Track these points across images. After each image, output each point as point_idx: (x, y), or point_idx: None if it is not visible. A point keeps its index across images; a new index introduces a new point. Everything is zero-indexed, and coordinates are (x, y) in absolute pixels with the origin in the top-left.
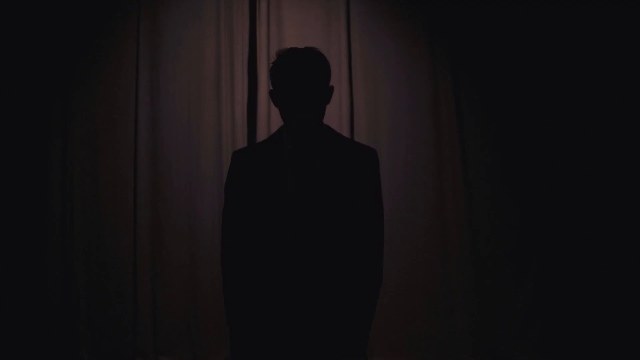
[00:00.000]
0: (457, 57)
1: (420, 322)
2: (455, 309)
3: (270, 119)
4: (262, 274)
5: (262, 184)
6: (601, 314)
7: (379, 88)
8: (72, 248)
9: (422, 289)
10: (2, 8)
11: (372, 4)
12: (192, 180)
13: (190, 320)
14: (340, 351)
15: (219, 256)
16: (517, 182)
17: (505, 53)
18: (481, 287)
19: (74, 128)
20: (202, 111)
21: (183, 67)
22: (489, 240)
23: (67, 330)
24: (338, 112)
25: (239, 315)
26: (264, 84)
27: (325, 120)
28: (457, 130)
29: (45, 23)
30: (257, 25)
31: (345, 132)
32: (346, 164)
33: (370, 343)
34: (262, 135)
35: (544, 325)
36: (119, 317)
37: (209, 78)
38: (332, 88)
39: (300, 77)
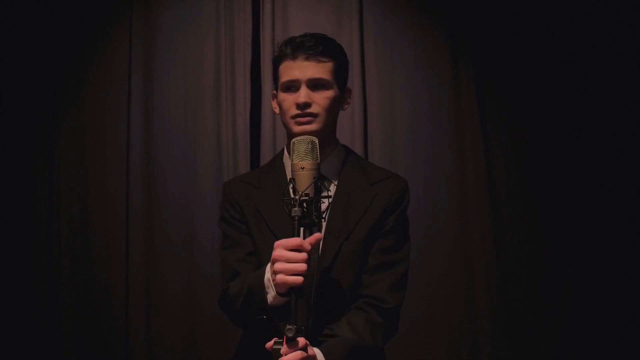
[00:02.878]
0: (481, 59)
1: (442, 354)
2: (480, 336)
3: (275, 133)
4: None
5: (265, 227)
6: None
7: (395, 94)
8: (59, 275)
9: (444, 316)
10: None
11: (387, 2)
12: (190, 199)
13: (188, 347)
14: None
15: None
16: (550, 196)
17: (533, 53)
18: (509, 312)
19: (59, 142)
20: (200, 123)
21: (179, 73)
22: (518, 261)
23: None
24: (350, 121)
25: None
26: (268, 94)
27: (337, 133)
28: (481, 140)
29: (29, 24)
30: (260, 28)
31: (358, 143)
32: (370, 205)
33: None
34: (266, 151)
35: (581, 346)
36: (110, 347)
37: (208, 87)
38: (349, 91)
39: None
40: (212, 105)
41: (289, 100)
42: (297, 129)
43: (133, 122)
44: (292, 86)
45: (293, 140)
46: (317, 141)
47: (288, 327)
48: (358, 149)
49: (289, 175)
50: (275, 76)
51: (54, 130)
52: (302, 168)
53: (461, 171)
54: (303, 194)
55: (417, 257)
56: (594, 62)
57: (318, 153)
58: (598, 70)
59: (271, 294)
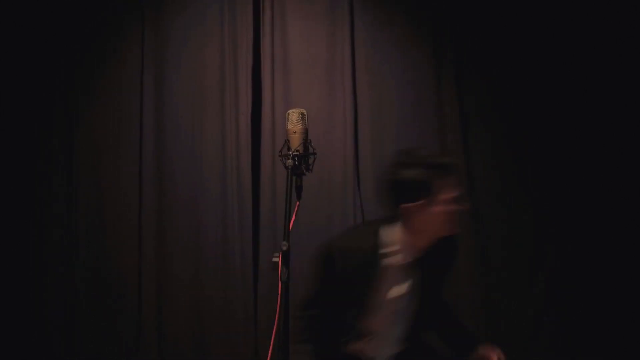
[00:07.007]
0: (462, 63)
1: None
2: (462, 316)
3: (275, 131)
4: None
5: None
6: (614, 313)
7: (383, 96)
8: (76, 263)
9: None
10: (6, 18)
11: (376, 12)
12: (197, 194)
13: (195, 330)
14: None
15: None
16: (525, 184)
17: (509, 58)
18: (489, 293)
19: (77, 141)
20: (205, 122)
21: (186, 77)
22: (497, 246)
23: (71, 346)
24: (342, 121)
25: None
26: (268, 95)
27: (329, 131)
28: (461, 135)
29: (47, 31)
30: (261, 35)
31: (349, 141)
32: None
33: None
34: (266, 147)
35: (555, 327)
36: (123, 332)
37: (213, 88)
38: None
39: None
40: (216, 105)
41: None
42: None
43: (145, 122)
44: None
45: (288, 112)
46: (305, 112)
47: (283, 242)
48: (349, 146)
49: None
50: (429, 188)
51: (72, 129)
52: (295, 132)
53: None
54: (295, 150)
55: None
56: (571, 62)
57: (307, 122)
58: (573, 68)
59: None
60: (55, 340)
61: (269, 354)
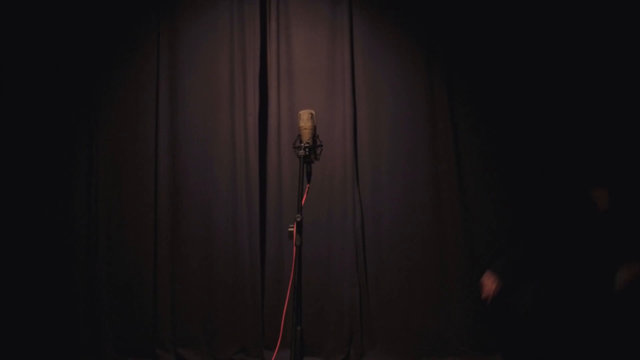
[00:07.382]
0: (453, 71)
1: (418, 317)
2: (452, 304)
3: (280, 130)
4: None
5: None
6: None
7: (380, 101)
8: (97, 249)
9: (421, 287)
10: (29, 32)
11: (373, 22)
12: (208, 189)
13: (206, 314)
14: None
15: None
16: (510, 185)
17: (497, 67)
18: (476, 284)
19: (98, 142)
20: (217, 122)
21: (199, 81)
22: (484, 241)
23: (93, 326)
24: (342, 123)
25: None
26: (274, 98)
27: (329, 132)
28: (452, 138)
29: (68, 41)
30: (267, 43)
31: (348, 140)
32: None
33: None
34: (272, 145)
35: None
36: (140, 312)
37: (223, 92)
38: None
39: None
40: (226, 107)
41: None
42: None
43: (160, 123)
44: None
45: (299, 112)
46: (314, 112)
47: (297, 215)
48: (348, 147)
49: None
50: None
51: (93, 131)
52: (305, 128)
53: (435, 164)
54: (306, 143)
55: (400, 236)
56: (561, 72)
57: (315, 120)
58: (563, 78)
59: None
60: (80, 327)
61: (283, 315)
